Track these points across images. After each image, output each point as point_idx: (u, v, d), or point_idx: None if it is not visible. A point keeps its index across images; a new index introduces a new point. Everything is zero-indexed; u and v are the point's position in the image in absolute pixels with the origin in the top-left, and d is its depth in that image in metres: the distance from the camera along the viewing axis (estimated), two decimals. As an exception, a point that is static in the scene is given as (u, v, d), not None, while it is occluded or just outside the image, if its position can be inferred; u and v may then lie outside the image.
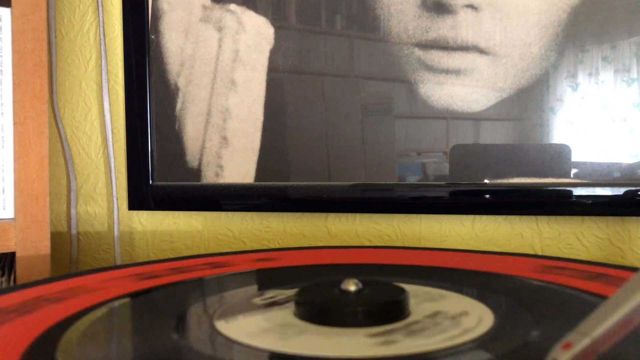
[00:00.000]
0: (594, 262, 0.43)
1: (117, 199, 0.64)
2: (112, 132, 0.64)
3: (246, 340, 0.26)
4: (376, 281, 0.32)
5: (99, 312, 0.31)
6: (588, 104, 0.51)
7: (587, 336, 0.18)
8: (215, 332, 0.27)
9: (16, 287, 0.36)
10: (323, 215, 0.59)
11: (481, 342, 0.25)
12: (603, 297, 0.32)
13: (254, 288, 0.36)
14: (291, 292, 0.34)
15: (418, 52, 0.54)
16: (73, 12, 0.65)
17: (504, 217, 0.55)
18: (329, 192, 0.57)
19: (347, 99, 0.56)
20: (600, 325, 0.18)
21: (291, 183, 0.58)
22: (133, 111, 0.62)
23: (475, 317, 0.29)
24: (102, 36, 0.64)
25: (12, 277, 0.51)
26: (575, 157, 0.51)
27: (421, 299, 0.32)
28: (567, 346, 0.18)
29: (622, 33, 0.50)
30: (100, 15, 0.64)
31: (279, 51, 0.58)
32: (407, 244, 0.57)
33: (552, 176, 0.52)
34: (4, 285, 0.51)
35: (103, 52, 0.64)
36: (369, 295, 0.29)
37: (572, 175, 0.51)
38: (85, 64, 0.65)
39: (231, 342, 0.26)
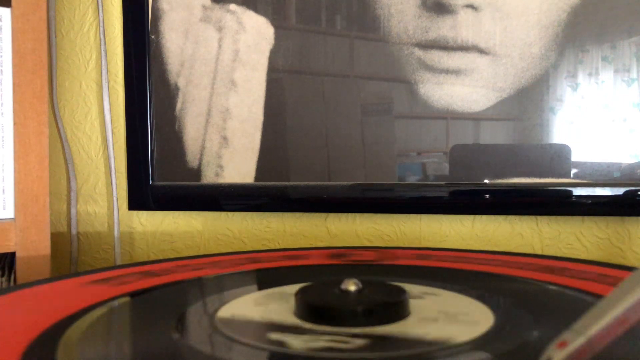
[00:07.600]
0: (594, 262, 0.43)
1: (117, 199, 0.64)
2: (112, 132, 0.64)
3: (246, 339, 0.26)
4: (376, 281, 0.32)
5: (99, 312, 0.31)
6: (588, 104, 0.51)
7: (582, 335, 0.18)
8: (215, 331, 0.27)
9: (16, 287, 0.36)
10: (323, 215, 0.59)
11: (481, 342, 0.25)
12: (602, 297, 0.32)
13: (253, 288, 0.36)
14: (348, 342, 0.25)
15: (418, 52, 0.54)
16: (73, 12, 0.65)
17: (504, 217, 0.55)
18: (329, 192, 0.57)
19: (347, 99, 0.56)
20: (596, 324, 0.18)
21: (291, 183, 0.58)
22: (133, 111, 0.62)
23: (475, 317, 0.29)
24: (102, 36, 0.64)
25: (12, 277, 0.51)
26: (575, 157, 0.51)
27: (421, 298, 0.32)
28: (562, 345, 0.18)
29: (622, 33, 0.50)
30: (100, 15, 0.64)
31: (279, 51, 0.58)
32: (407, 244, 0.57)
33: (552, 176, 0.52)
34: (4, 285, 0.51)
35: (103, 52, 0.64)
36: (369, 295, 0.29)
37: (572, 175, 0.51)
38: (85, 64, 0.65)
39: (231, 342, 0.26)
